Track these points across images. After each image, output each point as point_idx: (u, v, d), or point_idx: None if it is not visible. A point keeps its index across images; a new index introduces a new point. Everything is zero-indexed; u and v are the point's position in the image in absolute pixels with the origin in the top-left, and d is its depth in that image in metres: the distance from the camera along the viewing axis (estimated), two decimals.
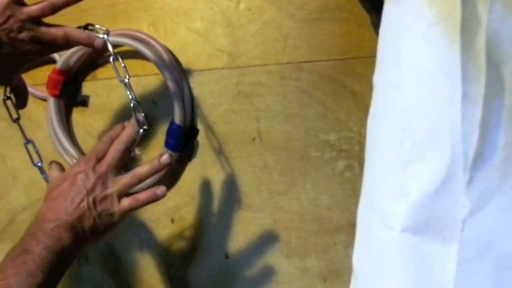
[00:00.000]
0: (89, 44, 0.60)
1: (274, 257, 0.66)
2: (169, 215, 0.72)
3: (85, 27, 0.60)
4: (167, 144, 0.69)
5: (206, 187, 0.70)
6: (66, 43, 0.59)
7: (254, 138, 0.67)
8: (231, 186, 0.69)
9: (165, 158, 0.60)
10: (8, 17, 0.55)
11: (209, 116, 0.69)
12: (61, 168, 0.63)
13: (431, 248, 0.36)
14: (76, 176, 0.58)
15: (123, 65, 0.61)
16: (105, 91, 0.75)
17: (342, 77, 0.63)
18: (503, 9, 0.35)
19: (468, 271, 0.35)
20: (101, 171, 0.58)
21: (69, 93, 0.75)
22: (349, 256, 0.60)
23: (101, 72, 0.75)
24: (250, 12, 0.67)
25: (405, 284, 0.37)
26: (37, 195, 0.78)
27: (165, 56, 0.69)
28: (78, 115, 0.76)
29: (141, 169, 0.60)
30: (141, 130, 0.61)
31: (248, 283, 0.68)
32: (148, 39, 0.70)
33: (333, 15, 0.63)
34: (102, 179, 0.58)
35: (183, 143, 0.68)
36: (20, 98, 0.63)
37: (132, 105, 0.61)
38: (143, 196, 0.59)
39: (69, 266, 0.57)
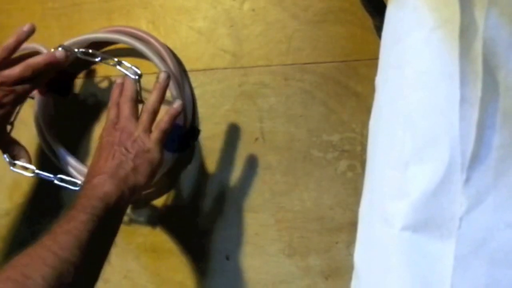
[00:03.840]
0: (52, 61, 0.63)
1: (276, 257, 0.67)
2: (169, 216, 0.73)
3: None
4: (167, 145, 0.68)
5: (207, 188, 0.71)
6: (34, 74, 0.62)
7: (257, 139, 0.68)
8: (233, 186, 0.70)
9: (162, 75, 0.64)
10: None
11: (211, 116, 0.70)
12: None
13: (430, 245, 0.39)
14: (101, 141, 0.61)
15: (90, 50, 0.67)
16: (99, 89, 0.75)
17: (345, 78, 0.65)
18: (499, 17, 0.38)
19: (464, 266, 0.38)
20: (122, 125, 0.62)
21: (59, 91, 0.75)
22: (350, 255, 0.62)
23: (94, 69, 0.76)
24: (254, 13, 0.68)
25: (405, 280, 0.39)
26: (21, 199, 0.78)
27: (165, 54, 0.69)
28: (70, 114, 0.77)
29: (149, 99, 0.63)
30: (137, 77, 0.65)
31: (249, 284, 0.69)
32: (147, 37, 0.70)
33: (337, 18, 0.65)
34: (125, 130, 0.61)
35: (184, 143, 0.70)
36: (22, 154, 0.66)
37: (117, 66, 0.66)
38: (165, 118, 0.63)
39: (122, 213, 0.59)
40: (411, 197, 0.40)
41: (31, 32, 0.64)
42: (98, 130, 0.75)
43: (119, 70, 0.66)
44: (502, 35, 0.38)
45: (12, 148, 0.67)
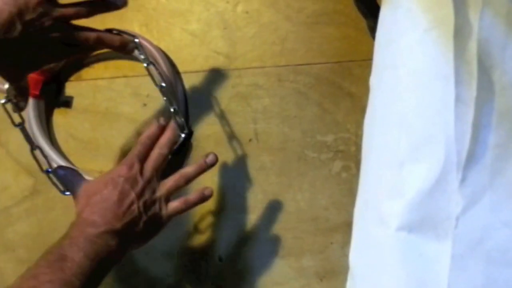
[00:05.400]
0: (121, 48, 0.60)
1: (269, 258, 0.67)
2: None
3: (109, 31, 0.61)
4: None
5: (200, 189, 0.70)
6: (97, 45, 0.59)
7: (250, 140, 0.68)
8: (227, 188, 0.69)
9: (211, 157, 0.61)
10: (41, 14, 0.54)
11: (205, 117, 0.70)
12: (76, 172, 0.61)
13: (426, 245, 0.39)
14: (119, 180, 0.57)
15: (157, 72, 0.63)
16: (91, 92, 0.74)
17: (339, 79, 0.66)
18: (493, 18, 0.38)
19: (461, 266, 0.38)
20: (148, 176, 0.58)
21: (51, 94, 0.74)
22: (345, 255, 0.62)
23: (86, 72, 0.74)
24: (247, 15, 0.69)
25: (401, 281, 0.39)
26: (7, 202, 0.76)
27: (158, 57, 0.69)
28: (60, 117, 0.75)
29: (188, 170, 0.60)
30: (182, 135, 0.63)
31: (243, 285, 0.68)
32: (140, 40, 0.67)
33: (331, 19, 0.66)
34: (150, 183, 0.58)
35: (177, 146, 0.69)
36: (24, 98, 0.61)
37: (172, 110, 0.63)
38: (192, 197, 0.60)
39: (110, 271, 0.56)
40: (407, 197, 0.40)
41: (121, 7, 0.59)
42: (90, 133, 0.74)
43: (172, 115, 0.64)
44: (497, 36, 0.38)
45: (22, 89, 0.61)
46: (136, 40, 0.61)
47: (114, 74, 0.73)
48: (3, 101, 0.61)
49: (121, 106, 0.73)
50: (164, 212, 0.58)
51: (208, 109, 0.70)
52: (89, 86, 0.74)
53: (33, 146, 0.62)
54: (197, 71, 0.70)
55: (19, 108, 0.61)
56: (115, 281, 0.74)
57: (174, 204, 0.59)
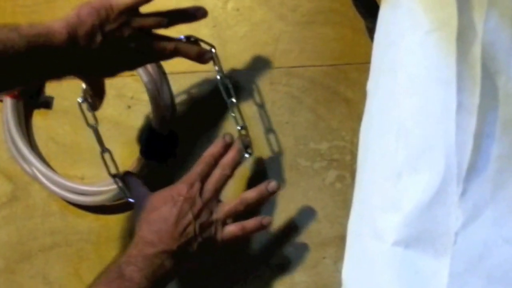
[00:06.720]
0: (197, 59, 0.63)
1: (259, 273, 0.67)
2: None
3: (187, 38, 0.63)
4: (144, 152, 0.69)
5: None
6: (172, 56, 0.62)
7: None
8: None
9: (273, 185, 0.62)
10: (122, 24, 0.57)
11: (192, 122, 0.70)
12: (141, 182, 0.64)
13: (423, 261, 0.39)
14: (179, 199, 0.59)
15: (230, 86, 0.65)
16: (72, 92, 0.72)
17: (334, 83, 0.66)
18: (499, 19, 0.38)
19: (460, 284, 0.38)
20: (208, 196, 0.60)
21: (30, 94, 0.74)
22: (338, 271, 0.62)
23: None
24: (238, 13, 0.69)
25: None
26: None
27: None
28: (40, 119, 0.75)
29: (249, 195, 0.62)
30: (247, 155, 0.65)
31: None
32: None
33: (327, 19, 0.66)
34: (208, 205, 0.60)
35: (163, 151, 0.69)
36: (99, 99, 0.63)
37: (239, 128, 0.65)
38: (250, 224, 0.61)
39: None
40: (404, 210, 0.40)
41: (200, 18, 0.62)
42: (71, 136, 0.74)
43: (239, 134, 0.66)
44: (503, 39, 0.38)
45: (98, 90, 0.63)
46: (213, 50, 0.64)
47: None
48: (80, 100, 0.64)
49: (104, 108, 0.72)
50: (219, 235, 0.60)
51: (196, 113, 0.70)
52: (70, 86, 0.72)
53: (104, 148, 0.65)
54: (184, 72, 0.70)
55: (93, 108, 0.64)
56: None
57: (230, 228, 0.61)
